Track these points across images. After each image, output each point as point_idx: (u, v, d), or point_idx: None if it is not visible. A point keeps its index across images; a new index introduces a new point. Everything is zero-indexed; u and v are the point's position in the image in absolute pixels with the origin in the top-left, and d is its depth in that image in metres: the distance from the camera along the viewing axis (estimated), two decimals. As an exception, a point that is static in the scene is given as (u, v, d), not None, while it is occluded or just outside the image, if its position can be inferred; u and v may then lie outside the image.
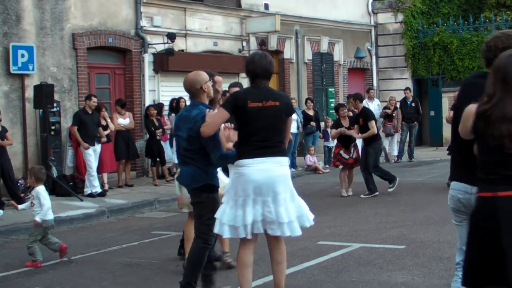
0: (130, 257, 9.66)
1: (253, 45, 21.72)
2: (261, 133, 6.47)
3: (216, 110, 6.76)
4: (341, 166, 14.96)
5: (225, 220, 6.49)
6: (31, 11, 15.62)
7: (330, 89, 25.24)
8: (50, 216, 9.48)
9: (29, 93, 15.02)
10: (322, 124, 21.39)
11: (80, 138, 14.84)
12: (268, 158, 6.46)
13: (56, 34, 16.16)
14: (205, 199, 6.73)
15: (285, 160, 6.64)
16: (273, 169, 6.46)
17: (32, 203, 9.44)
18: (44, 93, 14.57)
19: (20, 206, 9.90)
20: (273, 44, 22.41)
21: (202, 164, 6.72)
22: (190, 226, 7.58)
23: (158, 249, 10.09)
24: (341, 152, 14.84)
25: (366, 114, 14.57)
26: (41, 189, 9.42)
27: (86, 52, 16.80)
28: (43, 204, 9.32)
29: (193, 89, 6.88)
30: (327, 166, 20.27)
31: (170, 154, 17.28)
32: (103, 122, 15.66)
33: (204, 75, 6.97)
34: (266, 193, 6.42)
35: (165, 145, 17.22)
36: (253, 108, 6.46)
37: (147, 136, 17.26)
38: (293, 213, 6.52)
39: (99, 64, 17.63)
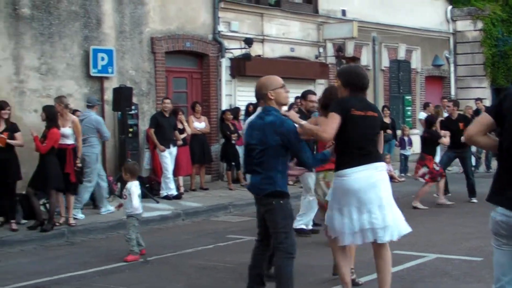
0: (205, 260, 9.60)
1: (330, 51, 21.50)
2: (360, 141, 6.50)
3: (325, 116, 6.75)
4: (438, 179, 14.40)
5: (335, 226, 6.60)
6: (111, 15, 15.77)
7: (407, 97, 24.82)
8: (142, 209, 9.91)
9: (108, 95, 15.16)
10: (399, 132, 20.96)
11: (156, 140, 14.88)
12: (368, 165, 6.48)
13: (135, 38, 16.29)
14: (276, 206, 6.52)
15: (383, 165, 6.66)
16: (374, 175, 6.50)
17: (125, 196, 9.85)
18: (123, 96, 14.66)
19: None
20: (350, 50, 22.16)
21: (270, 171, 6.53)
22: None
23: (233, 253, 9.99)
24: (434, 166, 14.31)
25: (467, 119, 14.32)
26: (133, 184, 9.73)
27: (164, 56, 16.88)
28: (133, 199, 9.64)
29: (260, 94, 6.69)
30: (402, 174, 19.86)
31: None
32: (180, 126, 15.65)
33: (274, 81, 6.69)
34: (370, 201, 6.43)
35: (240, 150, 17.09)
36: (356, 116, 6.45)
37: (223, 140, 17.18)
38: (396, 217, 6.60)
39: (177, 68, 17.69)
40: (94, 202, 13.77)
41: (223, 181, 17.80)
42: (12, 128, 11.69)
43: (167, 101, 15.27)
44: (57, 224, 11.84)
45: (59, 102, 12.10)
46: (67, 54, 14.92)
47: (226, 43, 18.26)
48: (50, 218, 11.59)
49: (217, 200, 15.05)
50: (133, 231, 9.69)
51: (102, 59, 15.28)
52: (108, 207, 13.15)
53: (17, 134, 11.71)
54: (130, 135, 15.24)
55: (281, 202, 6.54)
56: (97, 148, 13.40)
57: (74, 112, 13.43)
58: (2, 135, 11.41)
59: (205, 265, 9.27)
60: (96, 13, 15.48)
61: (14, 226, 11.59)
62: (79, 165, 12.12)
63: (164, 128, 14.97)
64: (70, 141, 12.02)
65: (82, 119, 13.06)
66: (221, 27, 18.23)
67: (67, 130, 11.95)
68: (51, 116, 11.66)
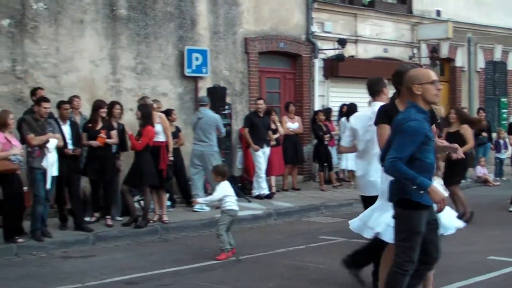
0: (297, 260, 9.43)
1: (424, 52, 21.00)
2: None
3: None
4: None
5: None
6: (205, 16, 15.79)
7: (502, 99, 24.01)
8: (235, 207, 9.85)
9: (202, 95, 15.12)
10: (494, 135, 20.23)
11: (250, 140, 14.81)
12: None
13: (229, 38, 16.27)
14: (400, 216, 5.86)
15: None
16: None
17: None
18: (216, 96, 14.64)
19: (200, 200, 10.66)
20: (444, 51, 21.61)
21: None
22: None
23: (325, 254, 9.78)
24: None
25: None
26: (221, 184, 9.86)
27: (258, 57, 16.82)
28: (213, 194, 9.96)
29: (405, 87, 5.97)
30: (497, 178, 19.16)
31: (337, 159, 16.99)
32: (273, 126, 15.52)
33: (424, 75, 5.87)
34: None
35: (333, 151, 16.87)
36: None
37: (315, 141, 16.96)
38: None
39: (270, 69, 17.60)
40: (187, 200, 13.78)
41: (315, 181, 17.59)
42: (108, 126, 11.80)
43: (261, 101, 15.16)
44: (151, 221, 11.88)
45: (142, 102, 12.17)
46: (162, 54, 15.02)
47: (319, 44, 18.07)
48: (145, 215, 11.64)
49: (309, 201, 14.84)
50: (223, 228, 9.65)
51: (197, 59, 15.33)
52: (203, 206, 13.11)
53: (113, 133, 11.84)
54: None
55: (405, 212, 5.80)
56: (217, 146, 13.69)
57: (170, 111, 13.51)
58: (102, 136, 11.54)
59: (297, 265, 9.10)
60: (191, 14, 15.52)
61: (109, 222, 11.72)
62: (171, 158, 12.14)
63: (258, 128, 14.89)
64: (162, 138, 12.06)
65: (200, 118, 13.45)
66: (315, 28, 18.05)
67: (157, 126, 12.00)
68: (146, 114, 11.72)
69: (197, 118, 13.66)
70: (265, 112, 15.23)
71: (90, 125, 11.76)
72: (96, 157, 11.64)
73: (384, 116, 6.48)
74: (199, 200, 10.70)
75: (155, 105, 12.62)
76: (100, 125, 11.74)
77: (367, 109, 7.56)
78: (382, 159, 5.88)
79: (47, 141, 10.41)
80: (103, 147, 11.59)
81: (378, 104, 7.06)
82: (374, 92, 7.36)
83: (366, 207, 6.97)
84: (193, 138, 13.71)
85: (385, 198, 6.12)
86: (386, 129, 6.27)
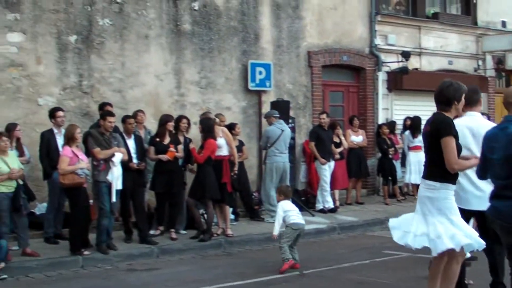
0: (362, 275, 9.28)
1: (489, 64, 20.55)
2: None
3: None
4: None
5: None
6: (269, 30, 15.75)
7: None
8: (299, 220, 9.91)
9: (266, 109, 15.08)
10: None
11: (317, 154, 14.67)
12: None
13: (293, 52, 16.19)
14: None
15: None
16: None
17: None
18: (280, 109, 14.54)
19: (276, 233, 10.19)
20: (510, 63, 20.98)
21: None
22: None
23: (390, 270, 9.60)
24: None
25: None
26: (281, 202, 10.06)
27: (321, 70, 16.70)
28: (278, 212, 9.99)
29: (507, 103, 5.87)
30: None
31: (401, 173, 16.70)
32: (337, 139, 15.35)
33: None
34: None
35: (397, 164, 16.60)
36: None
37: (379, 154, 16.72)
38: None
39: (334, 82, 17.43)
40: (250, 213, 13.72)
41: (379, 195, 17.35)
42: (175, 141, 11.84)
43: (323, 115, 15.01)
44: (215, 234, 11.85)
45: (204, 117, 12.17)
46: (226, 68, 15.03)
47: (383, 57, 17.85)
48: (208, 228, 11.61)
49: (373, 215, 14.62)
50: (285, 242, 9.64)
51: (260, 73, 15.29)
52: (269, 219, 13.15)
53: (179, 147, 11.88)
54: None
55: None
56: None
57: (234, 125, 13.49)
58: (172, 150, 11.59)
59: (362, 280, 8.95)
60: (254, 28, 15.51)
61: (174, 235, 11.72)
62: (236, 171, 12.09)
63: (324, 141, 14.76)
64: (225, 152, 12.01)
65: (283, 130, 13.69)
66: (378, 41, 17.84)
67: (219, 140, 11.99)
68: (207, 128, 11.72)
69: (280, 130, 13.73)
70: (329, 126, 15.08)
71: (157, 139, 11.79)
72: (164, 171, 11.65)
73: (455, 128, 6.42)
74: (275, 233, 10.00)
75: (217, 120, 12.62)
76: (167, 139, 11.77)
77: (468, 119, 7.27)
78: (483, 174, 5.94)
79: (113, 155, 10.48)
80: (172, 161, 11.62)
81: (474, 114, 7.13)
82: (473, 101, 7.22)
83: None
84: (273, 150, 13.69)
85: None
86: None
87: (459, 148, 6.36)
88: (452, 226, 6.38)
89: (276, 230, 9.89)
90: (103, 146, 10.51)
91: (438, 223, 6.40)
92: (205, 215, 11.98)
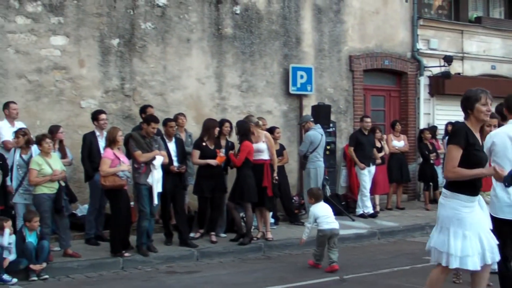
0: (402, 281, 9.16)
1: (533, 68, 20.17)
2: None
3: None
4: None
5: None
6: (310, 34, 15.67)
7: None
8: (326, 226, 10.08)
9: (307, 113, 14.94)
10: None
11: (356, 158, 14.54)
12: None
13: (334, 56, 16.09)
14: None
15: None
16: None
17: None
18: (321, 114, 14.45)
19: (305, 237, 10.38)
20: (555, 67, 20.62)
21: None
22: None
23: (431, 276, 9.39)
24: None
25: None
26: (313, 206, 10.27)
27: (363, 74, 16.58)
28: (309, 217, 10.33)
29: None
30: None
31: (442, 178, 16.45)
32: (378, 144, 15.20)
33: None
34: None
35: (438, 170, 16.35)
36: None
37: (421, 159, 16.51)
38: None
39: (375, 86, 17.30)
40: (290, 217, 13.64)
41: (420, 201, 17.16)
42: (218, 144, 11.86)
43: (368, 119, 14.84)
44: (255, 238, 11.80)
45: (248, 122, 12.10)
46: (267, 72, 14.99)
47: (425, 61, 17.66)
48: (247, 232, 11.55)
49: (414, 220, 14.44)
50: (318, 247, 10.07)
51: (301, 77, 15.22)
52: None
53: (221, 151, 11.82)
54: (327, 152, 14.94)
55: None
56: None
57: (274, 129, 13.41)
58: (222, 155, 11.61)
59: (403, 286, 8.85)
60: (295, 32, 15.44)
61: (213, 238, 11.68)
62: (276, 178, 12.01)
63: (364, 146, 14.61)
64: (266, 156, 11.95)
65: (322, 134, 13.61)
66: (420, 45, 17.66)
67: (261, 145, 11.91)
68: (243, 131, 11.70)
69: (320, 135, 13.62)
70: (370, 130, 14.93)
71: (204, 143, 11.75)
72: (209, 175, 11.61)
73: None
74: (304, 238, 10.27)
75: (260, 123, 12.55)
76: (213, 143, 11.77)
77: (510, 126, 7.15)
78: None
79: (154, 158, 10.48)
80: (216, 166, 11.62)
81: None
82: None
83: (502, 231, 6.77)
84: (315, 155, 13.59)
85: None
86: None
87: (476, 158, 6.26)
88: (451, 239, 6.34)
89: (305, 235, 10.15)
90: (144, 149, 10.51)
91: (441, 230, 6.45)
92: (245, 218, 11.92)
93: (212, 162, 11.53)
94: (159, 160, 10.52)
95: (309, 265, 10.13)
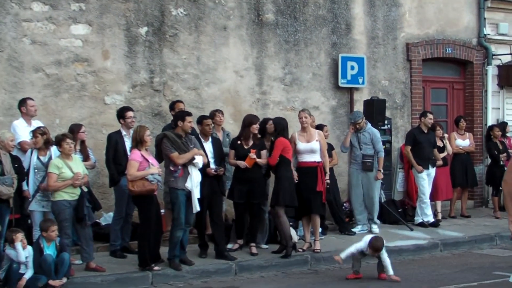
0: (469, 299, 9.06)
1: None
2: None
3: None
4: None
5: None
6: (362, 19, 15.58)
7: None
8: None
9: (358, 108, 14.85)
10: None
11: (413, 160, 14.39)
12: None
13: (389, 44, 15.99)
14: None
15: None
16: None
17: None
18: (375, 109, 14.29)
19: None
20: None
21: None
22: None
23: (502, 294, 9.38)
24: None
25: None
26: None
27: (422, 64, 16.47)
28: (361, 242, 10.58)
29: None
30: None
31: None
32: (440, 143, 15.01)
33: None
34: None
35: (510, 172, 16.08)
36: None
37: (489, 160, 16.30)
38: None
39: (436, 78, 17.18)
40: (339, 227, 13.52)
41: (488, 208, 17.01)
42: (260, 145, 11.75)
43: (431, 116, 14.63)
44: (300, 249, 11.73)
45: (309, 114, 12.12)
46: (314, 63, 14.93)
47: (494, 48, 17.51)
48: (287, 242, 11.46)
49: (481, 230, 14.33)
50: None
51: (352, 68, 15.14)
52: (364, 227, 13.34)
53: (263, 152, 11.73)
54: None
55: None
56: None
57: (322, 127, 13.30)
58: (252, 156, 11.47)
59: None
60: (345, 17, 15.36)
61: (254, 250, 11.63)
62: (328, 181, 11.90)
63: (423, 145, 14.45)
64: (319, 158, 11.84)
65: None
66: (488, 30, 17.49)
67: (314, 144, 11.83)
68: (279, 128, 11.61)
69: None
70: (431, 128, 14.72)
71: (239, 142, 11.73)
72: (243, 178, 11.57)
73: None
74: (342, 257, 10.54)
75: (312, 118, 12.47)
76: (251, 143, 11.69)
77: None
78: None
79: (193, 159, 10.42)
80: (251, 168, 11.53)
81: None
82: None
83: None
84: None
85: None
86: None
87: None
88: None
89: (343, 255, 10.46)
90: (181, 150, 10.46)
91: None
92: (279, 227, 11.82)
93: (240, 164, 11.50)
94: (199, 160, 10.49)
95: (349, 278, 10.38)
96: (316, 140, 11.92)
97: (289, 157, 11.57)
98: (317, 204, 11.77)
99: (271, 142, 11.84)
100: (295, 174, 11.73)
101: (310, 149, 11.81)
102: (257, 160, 11.55)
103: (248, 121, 11.75)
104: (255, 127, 11.75)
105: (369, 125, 13.64)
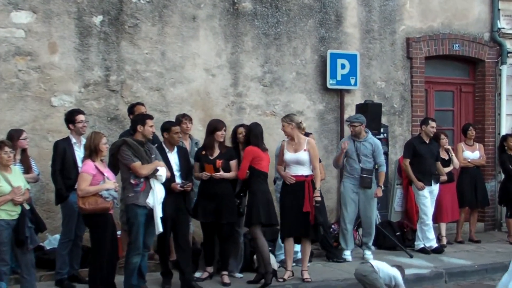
0: None
1: None
2: None
3: None
4: None
5: None
6: (355, 10, 15.72)
7: None
8: None
9: (350, 113, 14.97)
10: None
11: (412, 175, 14.46)
12: None
13: (386, 39, 16.13)
14: None
15: None
16: None
17: None
18: (369, 115, 14.33)
19: None
20: None
21: None
22: None
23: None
24: None
25: None
26: None
27: (424, 63, 16.59)
28: None
29: None
30: None
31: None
32: (444, 156, 15.10)
33: None
34: None
35: (526, 190, 16.24)
36: None
37: (502, 175, 16.44)
38: None
39: (440, 79, 17.31)
40: (327, 252, 13.57)
41: (501, 231, 17.14)
42: (228, 155, 11.73)
43: (433, 124, 14.68)
44: (280, 279, 11.76)
45: (288, 121, 11.98)
46: (298, 60, 15.05)
47: (509, 45, 17.65)
48: (266, 268, 11.52)
49: (493, 258, 14.42)
50: None
51: (343, 66, 15.24)
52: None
53: (233, 163, 11.73)
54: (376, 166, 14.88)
55: None
56: None
57: (307, 135, 13.28)
58: (217, 165, 11.53)
59: None
60: (335, 7, 15.49)
61: (226, 279, 11.67)
62: (318, 199, 11.88)
63: (424, 158, 14.52)
64: (307, 171, 11.86)
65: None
66: (502, 23, 17.62)
67: (302, 155, 11.81)
68: (251, 134, 11.64)
69: None
70: (433, 137, 14.81)
71: (204, 152, 11.76)
72: (209, 193, 11.59)
73: None
74: None
75: (304, 125, 12.49)
76: (217, 152, 11.72)
77: None
78: None
79: (156, 170, 10.43)
80: (219, 182, 11.55)
81: None
82: None
83: None
84: None
85: None
86: None
87: None
88: None
89: None
90: (144, 159, 10.46)
91: None
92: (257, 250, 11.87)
93: (201, 175, 11.54)
94: (163, 172, 10.50)
95: None
96: (305, 150, 11.91)
97: (261, 168, 11.61)
98: (308, 226, 11.75)
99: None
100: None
101: (296, 160, 11.76)
102: (223, 174, 11.56)
103: (212, 127, 11.74)
104: (220, 134, 11.72)
105: (370, 134, 13.66)
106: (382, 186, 13.65)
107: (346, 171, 13.75)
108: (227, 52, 14.27)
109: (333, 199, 14.93)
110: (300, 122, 12.12)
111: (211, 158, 11.63)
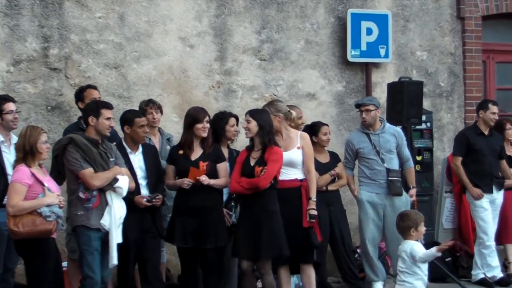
0: None
1: None
2: None
3: None
4: None
5: None
6: None
7: None
8: None
9: (379, 96, 14.99)
10: None
11: (466, 179, 14.42)
12: None
13: (424, -5, 16.23)
14: None
15: None
16: None
17: None
18: (405, 98, 14.33)
19: None
20: None
21: None
22: None
23: None
24: None
25: None
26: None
27: (481, 25, 16.69)
28: None
29: None
30: None
31: None
32: (510, 152, 15.10)
33: None
34: None
35: None
36: None
37: None
38: None
39: (504, 46, 17.56)
40: (349, 284, 13.61)
41: None
42: (214, 155, 11.72)
43: (494, 107, 14.65)
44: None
45: (274, 111, 11.87)
46: (307, 24, 15.18)
47: None
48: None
49: None
50: None
51: (369, 31, 15.36)
52: None
53: (221, 166, 11.70)
54: (418, 167, 14.89)
55: None
56: None
57: (319, 127, 13.31)
58: (201, 169, 11.50)
59: None
60: (358, -50, 15.55)
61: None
62: (314, 213, 11.81)
63: (482, 156, 14.48)
64: (300, 174, 11.86)
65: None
66: None
67: (293, 154, 11.79)
68: (268, 128, 11.50)
69: None
70: (494, 127, 14.79)
71: (181, 151, 11.76)
72: (189, 208, 11.57)
73: None
74: None
75: (294, 115, 12.46)
76: (198, 152, 11.74)
77: None
78: None
79: (115, 180, 10.40)
80: (202, 191, 11.55)
81: None
82: None
83: None
84: None
85: None
86: None
87: None
88: None
89: None
90: (98, 165, 10.43)
91: None
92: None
93: (181, 182, 11.46)
94: (124, 183, 10.48)
95: None
96: (298, 148, 11.92)
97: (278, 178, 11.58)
98: (308, 247, 11.72)
99: (233, 155, 12.04)
100: None
101: (288, 160, 11.66)
102: (209, 181, 11.52)
103: (191, 117, 11.63)
104: (202, 127, 11.66)
105: (386, 122, 13.58)
106: (415, 186, 13.55)
107: (364, 176, 13.45)
108: (209, 14, 14.37)
109: (355, 212, 14.89)
110: (289, 111, 12.08)
111: (192, 159, 11.61)
